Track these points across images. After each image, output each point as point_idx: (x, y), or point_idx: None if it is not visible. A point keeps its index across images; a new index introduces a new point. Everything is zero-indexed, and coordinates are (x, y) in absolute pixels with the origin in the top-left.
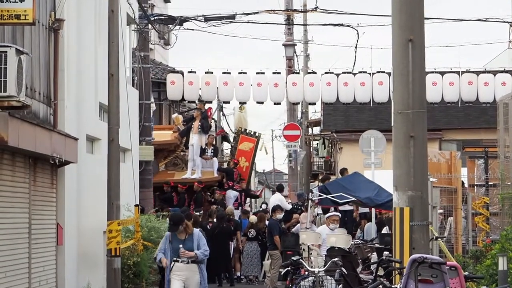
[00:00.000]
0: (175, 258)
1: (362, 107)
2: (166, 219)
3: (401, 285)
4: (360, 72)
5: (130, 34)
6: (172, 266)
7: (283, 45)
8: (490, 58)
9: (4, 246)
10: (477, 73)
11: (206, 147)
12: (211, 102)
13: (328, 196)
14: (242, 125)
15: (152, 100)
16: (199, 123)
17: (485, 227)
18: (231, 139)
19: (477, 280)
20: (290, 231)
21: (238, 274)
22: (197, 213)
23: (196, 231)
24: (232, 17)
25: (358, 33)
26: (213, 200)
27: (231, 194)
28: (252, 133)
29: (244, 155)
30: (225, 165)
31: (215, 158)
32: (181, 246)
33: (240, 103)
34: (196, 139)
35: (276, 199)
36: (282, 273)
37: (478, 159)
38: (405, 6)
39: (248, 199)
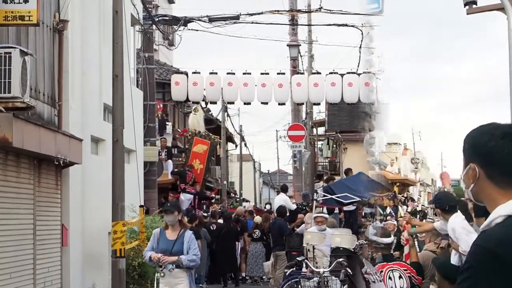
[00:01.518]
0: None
1: None
2: None
3: None
4: (364, 72)
5: (134, 35)
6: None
7: (287, 45)
8: None
9: (9, 247)
10: None
11: (160, 150)
12: (215, 102)
13: (333, 197)
14: (196, 127)
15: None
16: None
17: None
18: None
19: None
20: (295, 231)
21: (243, 274)
22: (204, 214)
23: (189, 233)
24: (237, 17)
25: (362, 33)
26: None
27: (185, 197)
28: (205, 135)
29: (198, 157)
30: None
31: (169, 161)
32: (161, 257)
33: (244, 103)
34: None
35: (280, 199)
36: (287, 274)
37: None
38: None
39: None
